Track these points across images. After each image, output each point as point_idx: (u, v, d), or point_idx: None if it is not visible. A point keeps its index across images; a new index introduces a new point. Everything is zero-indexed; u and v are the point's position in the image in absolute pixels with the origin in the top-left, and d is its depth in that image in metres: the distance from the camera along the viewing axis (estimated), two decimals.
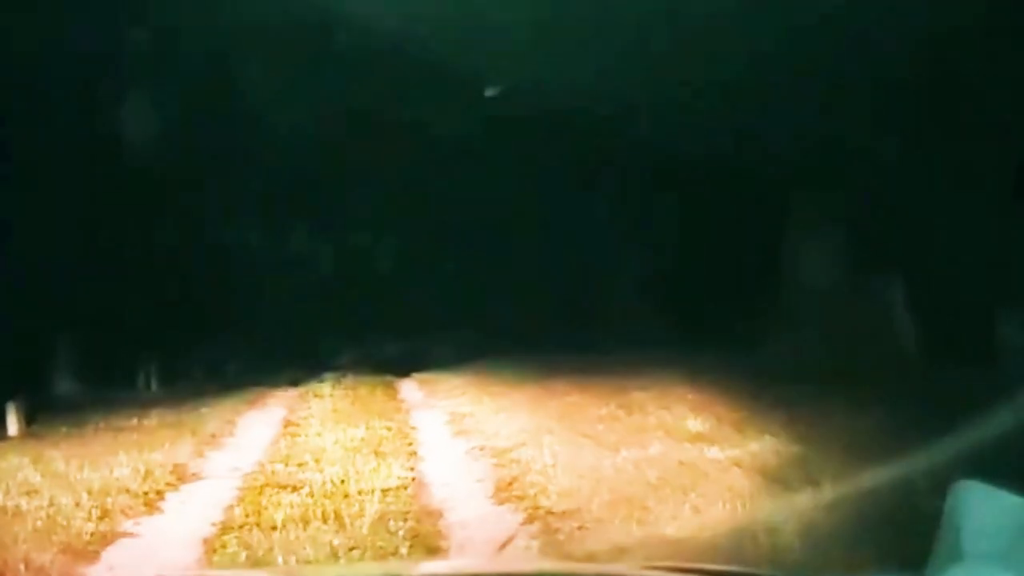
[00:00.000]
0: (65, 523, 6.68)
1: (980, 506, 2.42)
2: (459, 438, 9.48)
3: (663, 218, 13.88)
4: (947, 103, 10.31)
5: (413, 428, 10.08)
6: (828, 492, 6.31)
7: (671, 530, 5.81)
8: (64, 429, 10.25)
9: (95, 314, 13.06)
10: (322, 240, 16.42)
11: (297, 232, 16.34)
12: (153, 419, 10.79)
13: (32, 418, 10.89)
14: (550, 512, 6.46)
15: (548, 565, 5.13)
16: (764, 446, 7.76)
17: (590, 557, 5.47)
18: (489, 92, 13.45)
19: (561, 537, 5.93)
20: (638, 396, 10.41)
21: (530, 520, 6.45)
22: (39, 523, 6.68)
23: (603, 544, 5.61)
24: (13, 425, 10.67)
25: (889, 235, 11.12)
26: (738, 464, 7.33)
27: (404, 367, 13.78)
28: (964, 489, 2.46)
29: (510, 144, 13.87)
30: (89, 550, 6.29)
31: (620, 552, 5.44)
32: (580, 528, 5.98)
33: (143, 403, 11.77)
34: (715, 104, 11.47)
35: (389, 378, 13.29)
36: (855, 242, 11.71)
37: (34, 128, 12.05)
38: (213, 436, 9.89)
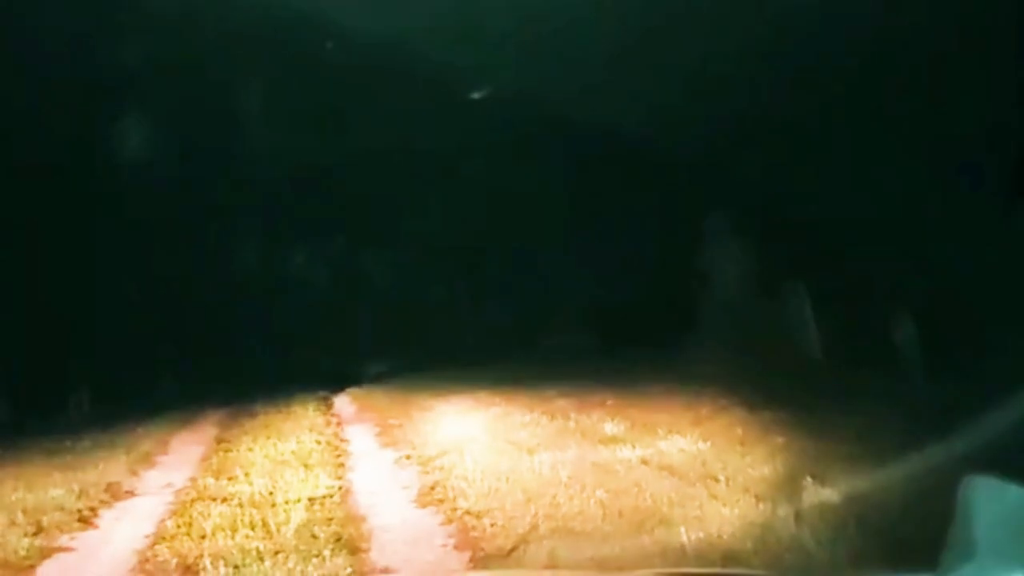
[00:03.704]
0: (1, 540, 6.94)
1: (991, 500, 2.54)
2: (388, 449, 9.84)
3: (585, 236, 14.37)
4: (855, 110, 10.91)
5: (344, 441, 10.38)
6: (723, 486, 6.83)
7: (576, 524, 6.26)
8: None
9: (28, 336, 13.15)
10: (263, 259, 16.55)
11: (236, 252, 16.45)
12: (87, 441, 10.98)
13: None
14: (468, 512, 6.85)
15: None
16: (671, 445, 8.26)
17: (500, 550, 5.89)
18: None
19: (475, 534, 6.33)
20: (561, 403, 10.88)
21: (449, 521, 6.85)
22: None
23: (512, 538, 6.03)
24: None
25: (796, 246, 11.71)
26: (645, 462, 7.82)
27: (339, 383, 14.06)
28: (975, 484, 2.60)
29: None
30: (25, 564, 6.59)
31: (526, 543, 5.87)
32: (492, 525, 6.39)
33: (78, 425, 11.92)
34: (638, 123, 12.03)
35: (323, 393, 13.56)
36: (764, 253, 12.30)
37: None
38: (147, 455, 10.13)
